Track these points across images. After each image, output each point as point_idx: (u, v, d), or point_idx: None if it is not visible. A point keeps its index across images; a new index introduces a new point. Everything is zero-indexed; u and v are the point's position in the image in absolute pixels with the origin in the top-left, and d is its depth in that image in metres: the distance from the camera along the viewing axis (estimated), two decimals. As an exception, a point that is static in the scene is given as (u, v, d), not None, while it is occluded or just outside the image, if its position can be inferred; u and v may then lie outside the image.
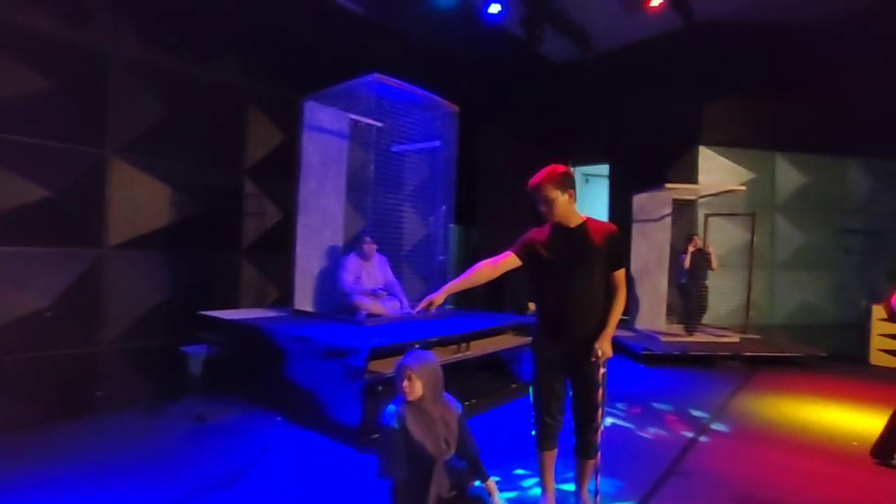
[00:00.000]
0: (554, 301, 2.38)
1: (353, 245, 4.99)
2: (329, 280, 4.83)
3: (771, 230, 9.30)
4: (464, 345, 3.95)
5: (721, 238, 8.07)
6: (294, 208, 4.80)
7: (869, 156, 10.25)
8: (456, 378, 4.07)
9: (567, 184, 2.37)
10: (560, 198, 2.35)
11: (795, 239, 9.65)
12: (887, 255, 10.30)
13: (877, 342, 6.08)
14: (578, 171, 12.25)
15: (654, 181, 7.51)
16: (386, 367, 3.27)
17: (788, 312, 9.44)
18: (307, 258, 4.82)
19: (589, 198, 12.64)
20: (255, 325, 3.92)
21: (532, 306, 10.85)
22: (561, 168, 2.43)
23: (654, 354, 5.67)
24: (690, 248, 6.51)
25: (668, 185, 6.52)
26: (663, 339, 6.34)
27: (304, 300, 4.77)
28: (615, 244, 2.35)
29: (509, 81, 10.49)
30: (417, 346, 3.29)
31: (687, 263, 6.48)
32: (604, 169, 11.47)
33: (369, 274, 4.81)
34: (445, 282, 4.43)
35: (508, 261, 2.55)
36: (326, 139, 4.98)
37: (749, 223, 7.41)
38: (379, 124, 5.21)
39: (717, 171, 9.36)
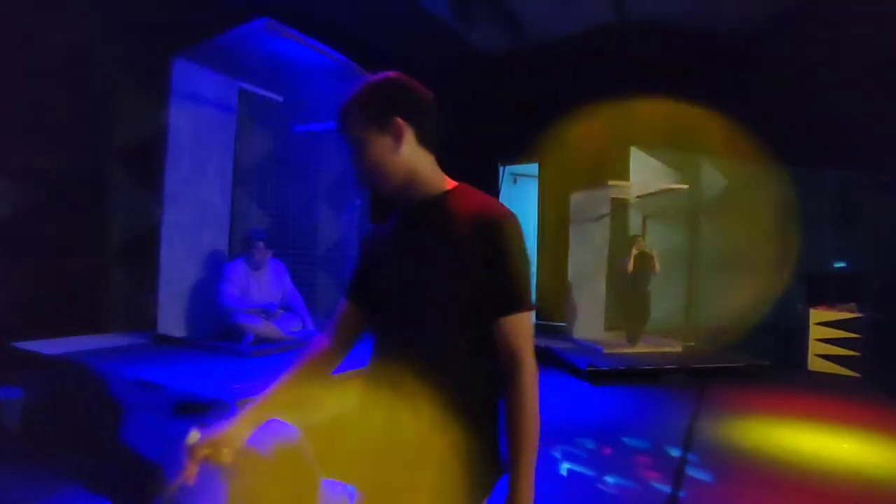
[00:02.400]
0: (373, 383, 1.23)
1: (240, 250, 3.91)
2: (207, 295, 3.72)
3: (695, 234, 9.18)
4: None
5: (650, 241, 7.77)
6: (158, 202, 3.65)
7: (790, 163, 10.55)
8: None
9: (395, 108, 1.18)
10: (376, 139, 1.17)
11: (720, 243, 9.66)
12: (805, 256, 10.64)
13: (814, 347, 5.89)
14: (507, 171, 11.72)
15: (586, 181, 7.01)
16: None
17: (714, 314, 9.41)
18: (176, 266, 3.67)
19: (517, 199, 12.14)
20: (77, 363, 2.76)
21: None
22: (387, 79, 1.23)
23: (598, 370, 5.06)
24: (633, 252, 6.01)
25: (611, 182, 5.99)
26: (606, 350, 5.78)
27: (171, 322, 3.62)
28: (495, 251, 1.12)
29: (431, 69, 9.69)
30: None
31: (630, 267, 5.97)
32: (533, 168, 11.00)
33: (260, 286, 3.76)
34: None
35: (345, 318, 1.32)
36: (205, 113, 3.86)
37: (682, 225, 7.12)
38: (277, 97, 4.19)
39: (648, 173, 9.13)
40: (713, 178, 9.86)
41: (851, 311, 5.83)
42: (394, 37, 7.69)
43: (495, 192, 10.71)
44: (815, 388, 5.25)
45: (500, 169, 10.81)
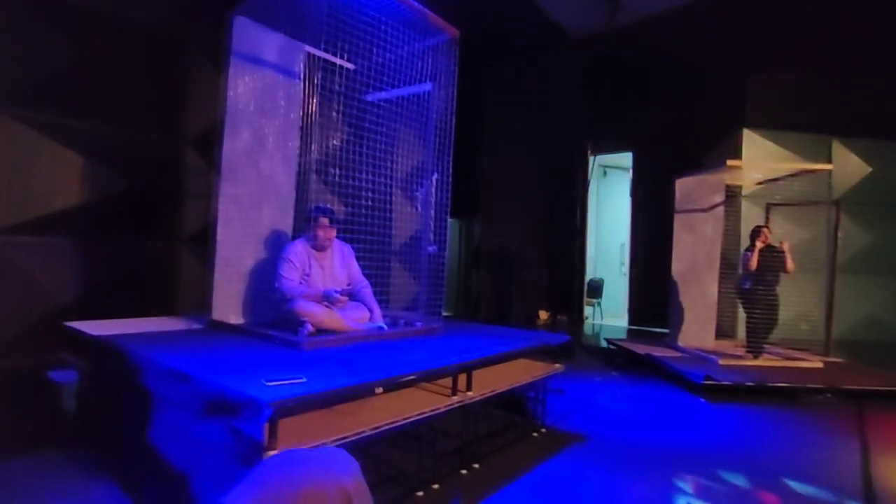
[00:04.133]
0: None
1: (302, 229, 3.50)
2: (266, 279, 3.33)
3: (828, 228, 7.80)
4: (463, 381, 2.46)
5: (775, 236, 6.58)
6: (215, 174, 3.32)
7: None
8: (448, 432, 2.59)
9: None
10: None
11: (858, 239, 8.16)
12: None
13: None
14: (596, 162, 10.79)
15: (688, 171, 6.02)
16: (311, 433, 1.79)
17: (850, 326, 7.95)
18: (233, 247, 3.32)
19: (607, 192, 11.16)
20: (119, 345, 2.42)
21: (544, 315, 9.35)
22: None
23: (718, 385, 4.16)
24: (758, 244, 5.00)
25: (730, 163, 5.01)
26: (722, 362, 4.82)
27: (226, 307, 3.27)
28: None
29: (520, 52, 9.04)
30: (333, 443, 1.79)
31: (753, 264, 4.96)
32: (624, 159, 9.99)
33: (324, 270, 3.31)
34: (438, 283, 2.94)
35: None
36: (268, 76, 3.50)
37: (811, 217, 5.92)
38: (350, 66, 3.75)
39: (763, 159, 7.88)
40: (849, 162, 8.37)
41: None
42: (481, 20, 7.15)
43: (584, 184, 9.84)
44: None
45: (591, 159, 9.93)
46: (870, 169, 8.43)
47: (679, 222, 5.99)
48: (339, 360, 2.34)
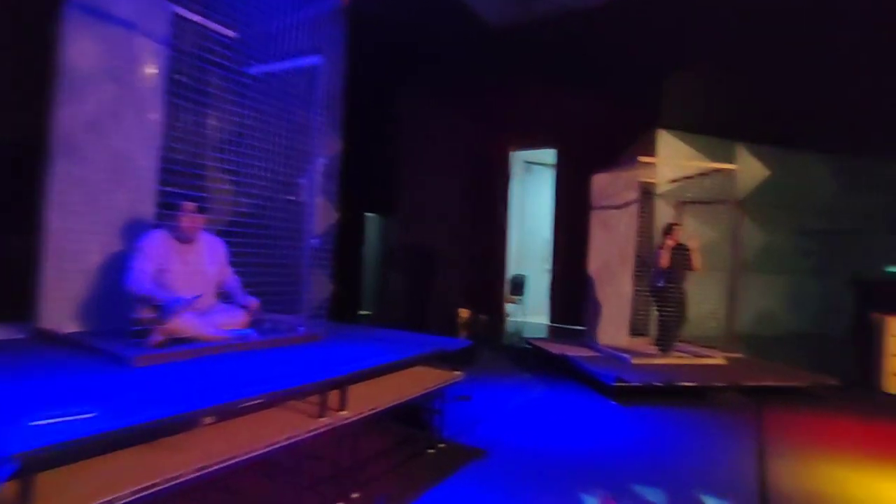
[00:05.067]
0: None
1: (166, 217, 2.96)
2: (115, 277, 2.77)
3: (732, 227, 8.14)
4: (336, 398, 2.07)
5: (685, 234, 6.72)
6: (44, 148, 2.71)
7: (833, 152, 9.44)
8: (322, 457, 2.21)
9: None
10: None
11: (756, 238, 8.59)
12: (849, 259, 9.54)
13: (893, 364, 4.82)
14: (519, 157, 10.73)
15: (609, 164, 5.99)
16: (104, 482, 1.34)
17: (751, 321, 8.35)
18: (73, 238, 2.74)
19: (531, 189, 11.15)
20: None
21: (465, 313, 9.13)
22: None
23: (629, 386, 4.05)
24: (668, 242, 4.98)
25: (643, 159, 4.96)
26: (634, 361, 4.76)
27: (58, 313, 2.69)
28: None
29: (439, 43, 8.73)
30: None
31: (664, 261, 4.94)
32: (548, 155, 9.99)
33: (187, 265, 2.81)
34: (319, 280, 2.56)
35: None
36: (120, 35, 2.93)
37: (717, 216, 6.06)
38: (229, 33, 3.24)
39: (676, 159, 8.09)
40: (750, 166, 8.79)
41: (938, 321, 4.75)
42: (398, 2, 6.77)
43: (506, 180, 9.72)
44: (900, 415, 4.19)
45: (514, 155, 9.82)
46: (769, 173, 8.91)
47: (595, 219, 5.93)
48: (171, 382, 1.88)
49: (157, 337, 2.42)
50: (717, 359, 4.97)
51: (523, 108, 9.38)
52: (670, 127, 8.44)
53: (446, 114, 9.01)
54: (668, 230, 5.07)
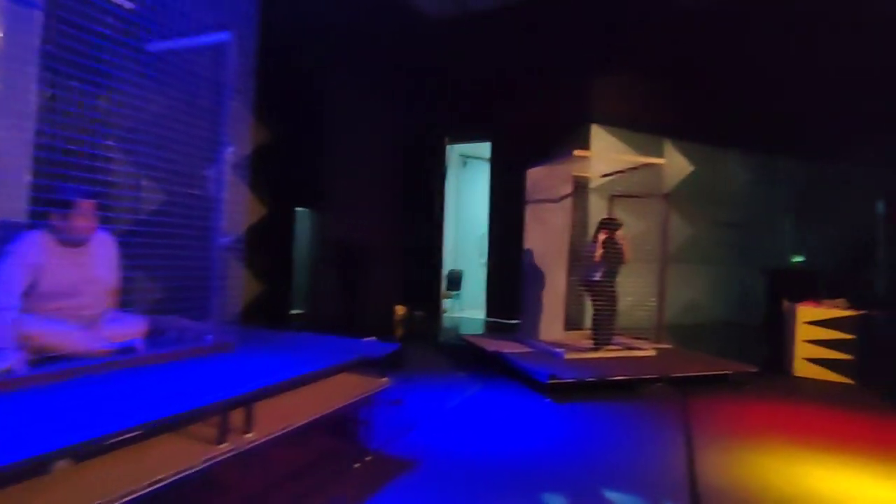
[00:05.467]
0: None
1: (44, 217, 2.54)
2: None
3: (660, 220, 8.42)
4: (238, 419, 1.82)
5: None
6: None
7: (746, 148, 10.01)
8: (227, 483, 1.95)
9: None
10: None
11: (681, 231, 8.96)
12: (759, 250, 10.19)
13: (802, 350, 5.11)
14: (455, 151, 10.62)
15: (542, 162, 5.98)
16: None
17: (676, 311, 8.72)
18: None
19: (467, 182, 11.08)
20: None
21: (400, 310, 8.93)
22: None
23: (563, 383, 4.02)
24: (601, 236, 5.01)
25: (577, 153, 4.95)
26: (568, 356, 4.76)
27: None
28: None
29: (371, 30, 8.40)
30: None
31: (598, 255, 4.98)
32: (484, 149, 9.94)
33: (80, 269, 2.43)
34: (234, 284, 2.29)
35: None
36: (-24, -1, 2.47)
37: (646, 210, 6.21)
38: (128, 4, 2.84)
39: (608, 154, 8.26)
40: (676, 162, 9.15)
41: (841, 308, 5.08)
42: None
43: (441, 173, 9.58)
44: (815, 399, 4.42)
45: (448, 148, 9.68)
46: (693, 168, 9.32)
47: (530, 213, 5.90)
48: (22, 413, 1.56)
49: (19, 355, 2.05)
50: (648, 351, 5.07)
51: (459, 100, 9.26)
52: (603, 122, 8.62)
53: (381, 104, 8.72)
54: (603, 224, 5.11)
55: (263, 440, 1.89)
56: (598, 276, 4.99)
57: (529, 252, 5.79)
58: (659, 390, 4.31)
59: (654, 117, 8.92)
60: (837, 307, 5.11)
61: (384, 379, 2.82)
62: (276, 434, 1.97)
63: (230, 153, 2.71)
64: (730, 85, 8.60)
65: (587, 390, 4.14)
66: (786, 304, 5.41)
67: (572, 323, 6.12)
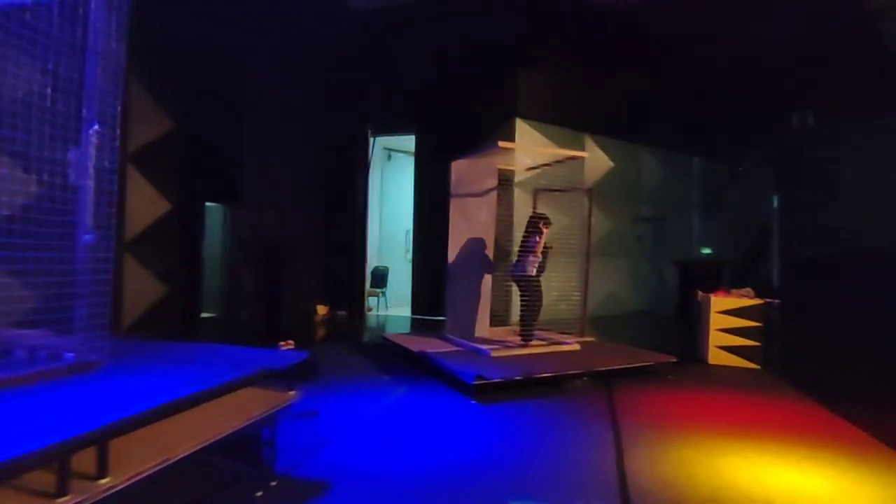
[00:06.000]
0: None
1: None
2: None
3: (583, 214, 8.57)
4: (88, 462, 1.44)
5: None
6: None
7: (659, 146, 10.47)
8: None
9: None
10: None
11: (601, 225, 9.20)
12: (671, 243, 10.72)
13: (714, 338, 5.31)
14: (379, 144, 10.26)
15: (467, 155, 5.84)
16: None
17: (597, 303, 8.93)
18: None
19: (392, 177, 10.76)
20: None
21: (323, 310, 8.48)
22: None
23: (489, 383, 3.87)
24: (546, 231, 5.04)
25: (502, 144, 4.81)
26: (494, 354, 4.63)
27: None
28: None
29: (292, 18, 7.87)
30: None
31: (539, 250, 4.98)
32: (409, 143, 9.67)
33: None
34: (102, 290, 1.88)
35: None
36: None
37: (569, 204, 6.24)
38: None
39: (533, 146, 8.29)
40: (597, 157, 9.36)
41: (749, 297, 5.34)
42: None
43: (365, 167, 9.20)
44: (729, 386, 4.58)
45: (372, 141, 9.32)
46: (612, 164, 9.59)
47: (454, 207, 5.72)
48: None
49: None
50: (573, 345, 5.06)
51: (383, 92, 8.92)
52: (527, 116, 8.63)
53: (301, 94, 8.21)
54: (540, 220, 5.10)
55: (127, 483, 1.53)
56: (533, 272, 4.95)
57: (454, 247, 5.62)
58: (584, 385, 4.28)
59: (576, 113, 9.08)
60: (745, 296, 5.36)
61: (292, 392, 2.50)
62: (148, 473, 1.61)
63: (95, 133, 2.26)
64: (648, 84, 8.94)
65: (514, 389, 4.02)
66: (700, 294, 5.62)
67: (498, 319, 6.03)
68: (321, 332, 7.48)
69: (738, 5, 6.73)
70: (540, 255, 5.03)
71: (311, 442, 2.97)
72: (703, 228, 11.48)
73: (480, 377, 3.81)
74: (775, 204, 10.12)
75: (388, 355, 5.44)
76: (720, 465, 2.76)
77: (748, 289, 5.49)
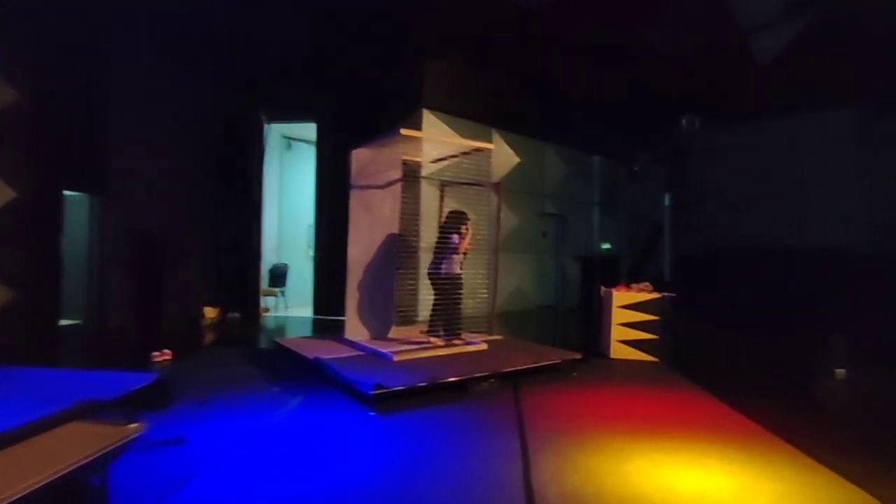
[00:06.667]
0: None
1: None
2: None
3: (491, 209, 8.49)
4: None
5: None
6: None
7: (562, 144, 10.71)
8: None
9: None
10: None
11: (507, 221, 9.21)
12: (573, 239, 11.04)
13: (616, 333, 5.38)
14: (277, 132, 9.52)
15: (369, 143, 5.46)
16: None
17: (504, 299, 8.92)
18: None
19: (293, 168, 10.04)
20: None
21: (211, 313, 7.65)
22: None
23: (390, 392, 3.53)
24: (467, 229, 4.83)
25: (404, 132, 4.47)
26: (397, 358, 4.30)
27: None
28: None
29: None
30: None
31: (464, 248, 4.77)
32: (310, 131, 9.03)
33: None
34: None
35: None
36: None
37: (476, 198, 6.08)
38: None
39: (442, 144, 8.05)
40: (503, 152, 9.34)
41: (647, 291, 5.47)
42: None
43: (260, 156, 8.43)
44: (630, 381, 4.62)
45: (266, 127, 8.56)
46: (518, 160, 9.63)
47: (355, 200, 5.30)
48: None
49: None
50: (480, 345, 4.86)
51: (280, 75, 8.21)
52: (434, 108, 8.37)
53: (186, 75, 7.31)
54: (462, 216, 4.89)
55: None
56: (455, 270, 4.78)
57: (355, 242, 5.21)
58: (491, 387, 4.08)
59: (484, 107, 8.98)
60: (644, 290, 5.49)
61: (134, 425, 1.99)
62: None
63: None
64: (551, 84, 9.05)
65: (417, 395, 3.72)
66: (602, 290, 5.68)
67: (404, 319, 5.71)
68: (209, 338, 6.72)
69: (631, 16, 7.02)
70: (461, 252, 4.88)
71: (169, 479, 2.45)
72: (603, 225, 11.97)
73: (379, 386, 3.46)
74: (666, 202, 10.74)
75: (282, 363, 4.92)
76: (627, 472, 2.64)
77: (646, 283, 5.64)
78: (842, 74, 7.11)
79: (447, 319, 4.90)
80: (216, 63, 7.60)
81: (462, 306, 4.95)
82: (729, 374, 4.97)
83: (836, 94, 7.37)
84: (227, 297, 7.87)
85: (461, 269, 4.99)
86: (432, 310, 5.04)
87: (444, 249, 4.92)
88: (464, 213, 5.13)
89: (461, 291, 4.93)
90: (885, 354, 5.60)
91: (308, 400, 3.76)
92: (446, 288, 4.89)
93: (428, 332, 5.07)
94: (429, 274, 5.05)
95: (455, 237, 4.91)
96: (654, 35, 7.59)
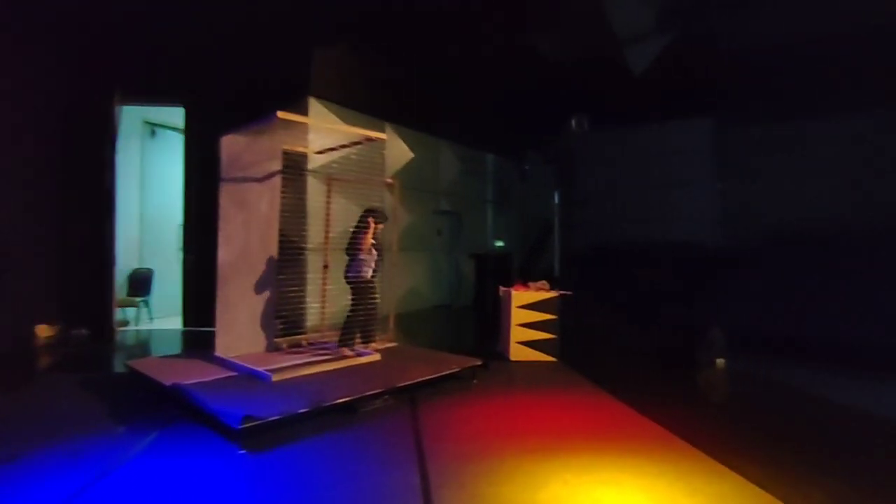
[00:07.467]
0: None
1: None
2: None
3: (385, 206, 8.03)
4: None
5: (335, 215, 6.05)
6: None
7: (457, 141, 10.53)
8: None
9: None
10: None
11: (402, 219, 8.82)
12: (467, 236, 10.94)
13: (515, 334, 5.21)
14: (138, 116, 8.25)
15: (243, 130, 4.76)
16: None
17: (398, 299, 8.52)
18: None
19: (157, 158, 8.76)
20: None
21: (46, 331, 6.34)
22: None
23: (263, 423, 2.96)
24: (375, 228, 4.36)
25: (281, 114, 3.87)
26: (276, 378, 3.71)
27: None
28: None
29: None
30: None
31: (367, 246, 4.29)
32: (177, 116, 7.90)
33: None
34: None
35: None
36: None
37: (368, 195, 5.62)
38: None
39: (329, 133, 7.43)
40: (397, 147, 8.93)
41: (545, 290, 5.37)
42: None
43: (111, 143, 7.17)
44: (531, 385, 4.44)
45: (118, 109, 7.30)
46: (412, 155, 9.26)
47: (227, 195, 4.56)
48: None
49: None
50: (373, 356, 4.41)
51: (141, 49, 7.04)
52: (323, 97, 7.71)
53: (11, 45, 5.95)
54: (372, 213, 4.39)
55: None
56: (369, 273, 4.29)
57: (226, 243, 4.49)
58: (385, 405, 3.66)
59: (377, 99, 8.49)
60: (541, 289, 5.39)
61: None
62: None
63: None
64: (445, 79, 8.81)
65: (297, 424, 3.18)
66: (502, 290, 5.49)
67: (290, 329, 5.07)
68: (42, 363, 5.51)
69: (518, 22, 7.06)
70: (373, 254, 4.51)
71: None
72: (496, 222, 12.04)
73: (249, 418, 2.87)
74: (556, 200, 11.03)
75: (136, 391, 4.07)
76: (542, 502, 2.36)
77: (543, 282, 5.55)
78: (703, 85, 7.69)
79: (362, 327, 4.49)
80: (58, 27, 6.32)
81: (374, 314, 4.54)
82: (622, 370, 5.01)
83: (699, 103, 7.99)
84: (75, 311, 6.59)
85: (375, 269, 4.58)
86: (346, 318, 4.58)
87: (352, 251, 4.51)
88: (373, 209, 4.71)
89: (369, 298, 4.51)
90: (757, 343, 6.04)
91: (160, 441, 3.05)
92: (354, 293, 4.48)
93: (340, 342, 4.56)
94: (345, 278, 4.61)
95: (361, 235, 4.50)
96: (538, 39, 7.68)
